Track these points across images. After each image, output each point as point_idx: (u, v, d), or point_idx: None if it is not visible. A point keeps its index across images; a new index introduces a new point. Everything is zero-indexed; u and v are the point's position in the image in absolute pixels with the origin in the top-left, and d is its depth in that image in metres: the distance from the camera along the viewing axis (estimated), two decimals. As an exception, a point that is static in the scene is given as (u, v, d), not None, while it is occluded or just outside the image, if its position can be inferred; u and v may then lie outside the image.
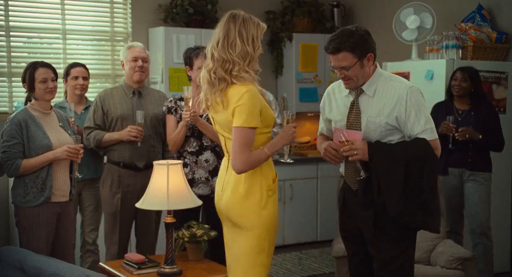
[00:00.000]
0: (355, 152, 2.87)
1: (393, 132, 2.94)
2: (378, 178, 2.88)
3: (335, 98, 3.13)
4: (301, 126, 6.73)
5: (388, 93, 2.93)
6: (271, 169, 2.91)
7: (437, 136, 2.94)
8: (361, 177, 2.93)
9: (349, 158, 2.90)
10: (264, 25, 2.87)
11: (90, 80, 5.48)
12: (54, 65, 3.76)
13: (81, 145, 3.62)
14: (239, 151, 2.74)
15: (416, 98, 2.90)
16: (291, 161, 3.16)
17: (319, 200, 6.28)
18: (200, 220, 3.99)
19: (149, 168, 3.74)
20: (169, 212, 3.38)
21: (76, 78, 4.38)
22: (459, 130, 4.42)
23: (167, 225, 3.39)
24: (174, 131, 3.90)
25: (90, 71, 5.45)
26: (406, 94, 2.89)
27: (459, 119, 4.55)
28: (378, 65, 3.01)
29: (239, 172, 2.79)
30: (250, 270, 2.87)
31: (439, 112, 4.63)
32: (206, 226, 3.70)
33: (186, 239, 3.65)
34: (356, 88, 2.97)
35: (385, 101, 2.92)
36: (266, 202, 2.84)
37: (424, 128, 2.89)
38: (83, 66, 4.47)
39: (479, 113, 4.56)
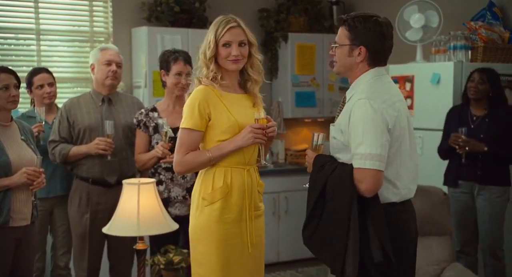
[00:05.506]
0: (306, 163, 2.72)
1: (342, 149, 2.59)
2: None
3: None
4: (298, 133, 6.52)
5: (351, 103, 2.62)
6: (215, 177, 2.81)
7: (368, 166, 2.44)
8: (304, 186, 2.71)
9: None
10: (222, 20, 2.83)
11: (67, 85, 5.37)
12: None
13: (42, 169, 3.25)
14: (176, 151, 2.84)
15: (360, 114, 2.47)
16: (267, 164, 2.95)
17: (317, 213, 5.91)
18: (179, 243, 3.68)
19: (121, 184, 3.38)
20: (140, 237, 3.10)
21: (42, 86, 4.02)
22: (459, 140, 4.11)
23: (138, 252, 3.12)
24: (142, 148, 3.69)
25: (67, 75, 5.35)
26: (353, 105, 2.51)
27: (472, 126, 4.24)
28: (373, 72, 2.62)
29: (176, 172, 2.94)
30: None
31: (452, 118, 4.34)
32: (185, 251, 3.40)
33: (162, 266, 3.39)
34: (339, 74, 2.81)
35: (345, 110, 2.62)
36: (202, 210, 2.82)
37: (354, 151, 2.48)
38: (46, 70, 4.12)
39: (495, 120, 4.23)
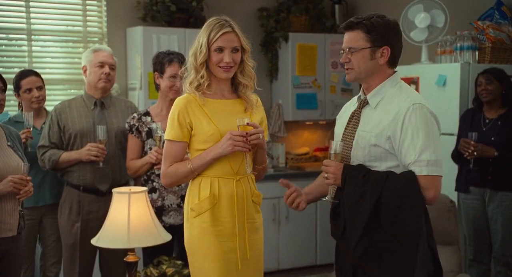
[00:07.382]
0: (326, 175, 2.50)
1: (383, 157, 2.45)
2: (344, 210, 2.45)
3: (346, 110, 2.76)
4: (299, 136, 6.41)
5: (390, 108, 2.46)
6: (202, 187, 2.71)
7: (436, 173, 2.37)
8: (324, 199, 2.60)
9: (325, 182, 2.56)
10: (216, 24, 2.69)
11: (61, 87, 5.22)
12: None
13: (29, 177, 3.11)
14: (162, 163, 2.80)
15: (419, 118, 2.40)
16: (254, 173, 2.78)
17: (318, 220, 5.88)
18: (174, 254, 3.58)
19: (114, 192, 3.30)
20: (131, 249, 2.93)
21: (30, 90, 3.86)
22: (468, 146, 3.98)
23: (129, 264, 2.95)
24: (135, 154, 3.56)
25: (60, 76, 5.21)
26: (407, 110, 2.40)
27: (484, 129, 4.12)
28: (397, 75, 2.58)
29: (164, 184, 2.86)
30: None
31: (464, 122, 4.23)
32: (179, 262, 3.30)
33: (154, 278, 3.28)
34: (357, 81, 2.59)
35: (383, 116, 2.45)
36: (192, 222, 2.74)
37: (418, 158, 2.37)
38: (34, 73, 3.95)
39: (507, 122, 4.09)
